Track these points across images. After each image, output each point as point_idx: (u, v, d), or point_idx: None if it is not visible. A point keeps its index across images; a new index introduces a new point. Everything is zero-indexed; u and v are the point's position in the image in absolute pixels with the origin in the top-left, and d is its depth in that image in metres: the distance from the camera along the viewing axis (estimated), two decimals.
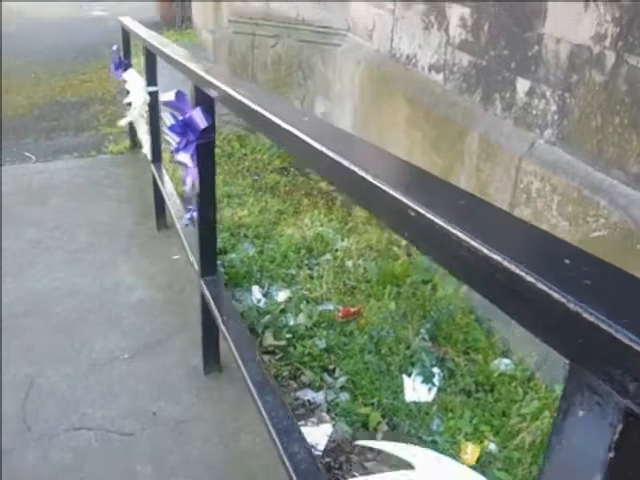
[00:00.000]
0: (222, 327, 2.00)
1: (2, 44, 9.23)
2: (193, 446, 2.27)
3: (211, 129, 1.96)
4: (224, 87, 1.74)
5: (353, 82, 4.94)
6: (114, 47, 5.07)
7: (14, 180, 4.79)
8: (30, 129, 6.20)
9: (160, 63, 3.29)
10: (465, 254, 0.65)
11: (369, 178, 0.87)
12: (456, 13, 3.58)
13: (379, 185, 0.84)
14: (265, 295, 3.41)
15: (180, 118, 1.97)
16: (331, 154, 1.00)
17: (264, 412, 1.67)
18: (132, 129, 5.19)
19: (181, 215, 2.94)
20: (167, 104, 2.01)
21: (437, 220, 0.70)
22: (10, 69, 8.04)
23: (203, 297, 2.29)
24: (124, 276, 3.39)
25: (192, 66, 2.03)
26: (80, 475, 2.14)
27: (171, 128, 1.97)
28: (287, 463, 1.55)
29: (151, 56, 3.42)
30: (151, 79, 3.43)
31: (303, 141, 1.12)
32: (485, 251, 0.62)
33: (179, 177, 4.33)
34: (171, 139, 2.00)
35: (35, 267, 3.47)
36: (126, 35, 4.93)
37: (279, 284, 3.49)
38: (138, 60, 4.82)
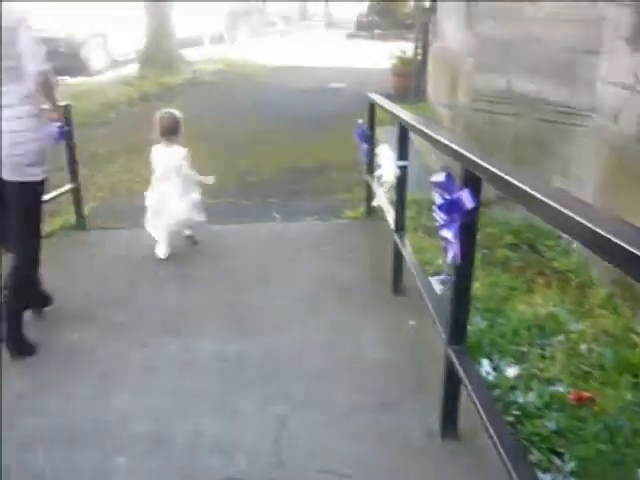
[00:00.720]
0: (472, 395, 2.11)
1: (255, 111, 10.28)
2: None
3: (476, 209, 2.12)
4: (493, 169, 1.91)
5: (595, 164, 4.89)
6: (359, 121, 5.49)
7: (266, 237, 5.34)
8: (276, 191, 6.81)
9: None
10: None
11: None
12: None
13: None
14: (494, 369, 3.45)
15: (447, 197, 2.16)
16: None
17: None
18: (369, 197, 5.53)
19: (425, 283, 3.11)
20: (436, 184, 2.21)
21: None
22: (260, 135, 8.91)
23: (448, 364, 2.41)
24: (363, 336, 3.65)
25: (460, 149, 2.22)
26: None
27: (439, 207, 2.16)
28: None
29: (404, 131, 3.69)
30: (402, 154, 3.69)
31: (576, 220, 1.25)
32: None
33: (417, 245, 4.58)
34: (438, 216, 2.19)
35: (290, 321, 3.89)
36: (372, 109, 5.33)
37: (509, 360, 3.51)
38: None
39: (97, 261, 4.97)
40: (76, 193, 5.64)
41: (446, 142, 2.39)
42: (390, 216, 4.15)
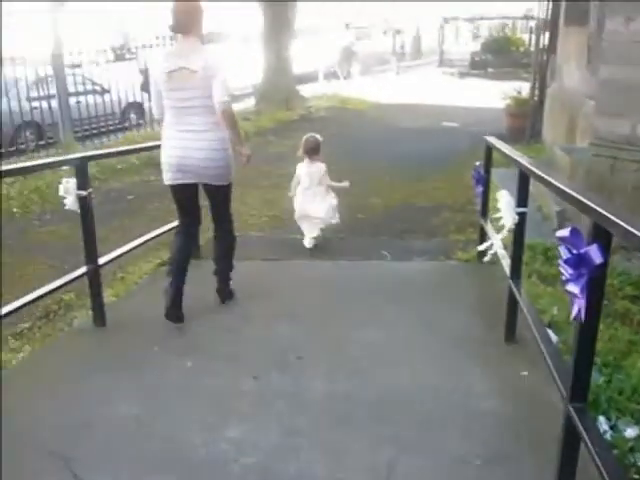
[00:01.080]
0: (594, 457, 2.04)
1: (367, 148, 10.41)
2: None
3: (604, 265, 2.07)
4: (626, 226, 1.87)
5: None
6: (477, 163, 5.45)
7: (376, 275, 5.40)
8: (386, 229, 6.84)
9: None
10: None
11: None
12: None
13: None
14: (612, 428, 3.31)
15: (574, 252, 2.11)
16: None
17: None
18: (482, 240, 5.46)
19: (541, 333, 3.04)
20: (562, 239, 2.17)
21: None
22: (371, 172, 9.00)
23: (567, 421, 2.34)
24: (473, 383, 3.58)
25: (590, 202, 2.17)
26: None
27: (565, 261, 2.12)
28: None
29: (524, 178, 3.64)
30: (521, 200, 3.64)
31: None
32: None
33: (531, 292, 4.48)
34: (563, 270, 2.15)
35: (400, 363, 3.88)
36: (489, 152, 5.28)
37: (628, 419, 3.36)
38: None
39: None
40: None
41: (574, 194, 2.35)
42: (505, 261, 4.08)
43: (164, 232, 5.45)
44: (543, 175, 2.89)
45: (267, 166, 9.53)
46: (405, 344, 4.13)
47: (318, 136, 6.15)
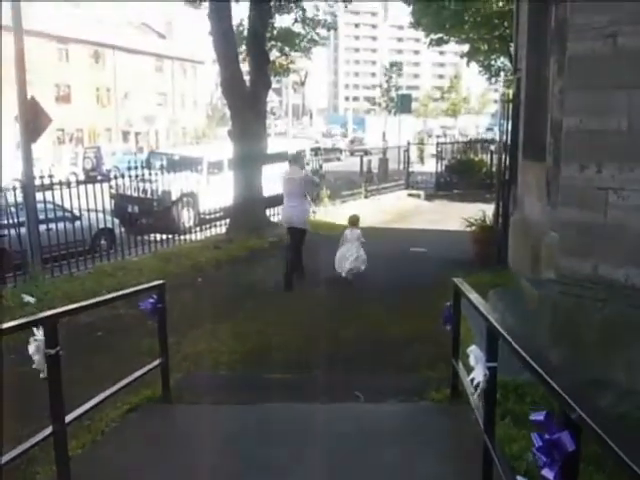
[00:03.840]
0: None
1: (335, 279, 10.50)
2: None
3: (576, 452, 2.07)
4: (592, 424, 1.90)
5: None
6: (447, 303, 5.53)
7: (343, 420, 5.27)
8: (358, 364, 6.80)
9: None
10: None
11: None
12: None
13: None
14: None
15: (547, 437, 2.12)
16: None
17: None
18: (454, 377, 5.46)
19: None
20: (535, 421, 2.19)
21: None
22: (341, 303, 9.03)
23: None
24: None
25: (560, 390, 2.21)
26: None
27: (538, 449, 2.13)
28: None
29: (493, 334, 3.69)
30: (491, 356, 3.67)
31: None
32: None
33: (504, 435, 4.43)
34: (538, 456, 2.15)
35: None
36: (457, 295, 5.36)
37: None
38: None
39: (182, 438, 5.02)
40: (164, 367, 5.82)
41: (546, 379, 2.38)
42: (478, 412, 4.06)
43: (134, 379, 5.34)
44: (510, 340, 2.93)
45: (240, 297, 9.56)
46: None
47: (357, 214, 11.68)
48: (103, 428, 5.37)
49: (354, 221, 11.22)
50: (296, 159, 11.39)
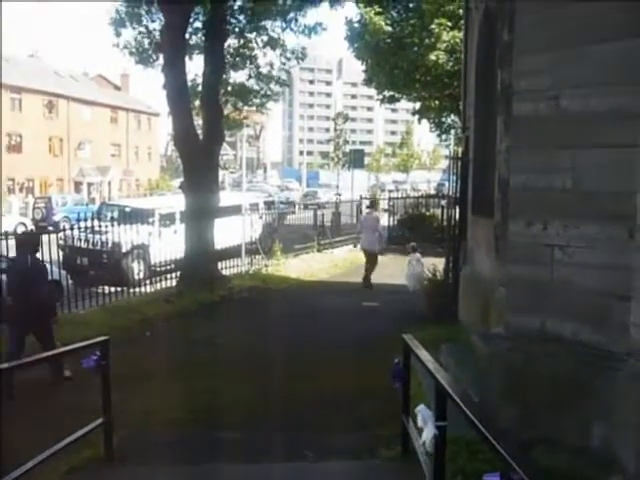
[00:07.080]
0: None
1: (286, 332, 10.40)
2: None
3: None
4: None
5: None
6: (396, 360, 5.50)
7: None
8: (308, 420, 6.68)
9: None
10: None
11: None
12: None
13: None
14: None
15: None
16: None
17: None
18: (405, 434, 5.39)
19: None
20: None
21: None
22: (291, 359, 8.90)
23: None
24: None
25: (502, 450, 2.17)
26: None
27: None
28: None
29: (441, 392, 3.65)
30: (440, 415, 3.64)
31: None
32: None
33: None
34: None
35: None
36: (407, 352, 5.34)
37: None
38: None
39: None
40: (107, 426, 5.63)
41: (491, 440, 2.35)
42: (429, 471, 4.00)
43: (75, 439, 5.12)
44: (459, 402, 2.90)
45: (189, 353, 9.38)
46: None
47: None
48: None
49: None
50: (373, 204, 18.89)
